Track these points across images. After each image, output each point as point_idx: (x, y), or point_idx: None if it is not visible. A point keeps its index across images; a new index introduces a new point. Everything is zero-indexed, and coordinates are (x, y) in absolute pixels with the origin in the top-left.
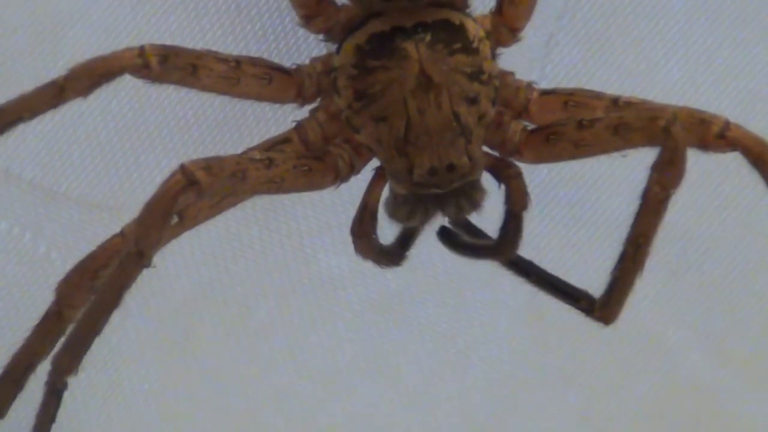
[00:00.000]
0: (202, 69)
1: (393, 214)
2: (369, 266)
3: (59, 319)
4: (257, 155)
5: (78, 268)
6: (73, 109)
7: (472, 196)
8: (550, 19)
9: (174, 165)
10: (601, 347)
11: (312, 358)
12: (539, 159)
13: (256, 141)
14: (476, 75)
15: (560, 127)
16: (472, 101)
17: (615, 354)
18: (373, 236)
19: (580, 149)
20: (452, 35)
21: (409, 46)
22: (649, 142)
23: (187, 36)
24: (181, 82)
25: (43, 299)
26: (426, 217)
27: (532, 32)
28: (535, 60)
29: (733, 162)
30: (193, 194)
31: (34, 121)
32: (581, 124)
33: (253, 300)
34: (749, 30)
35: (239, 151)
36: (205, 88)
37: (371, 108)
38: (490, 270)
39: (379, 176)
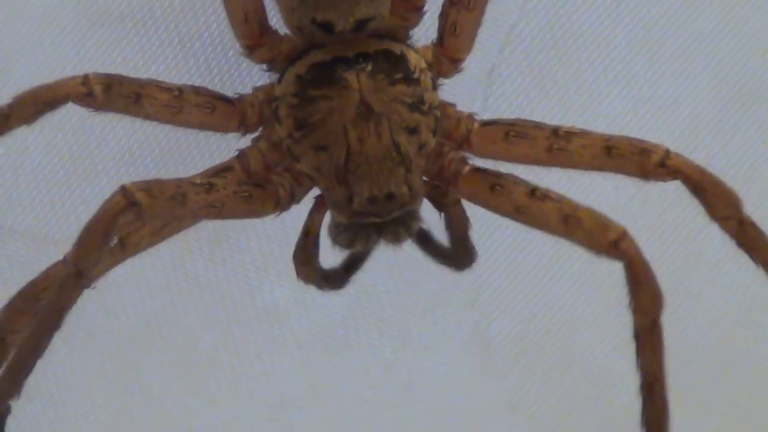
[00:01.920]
0: (145, 98)
1: (335, 241)
2: (313, 297)
3: (1, 345)
4: (198, 180)
5: (20, 294)
6: (18, 142)
7: (410, 224)
8: (493, 52)
9: None
10: (547, 375)
11: (256, 388)
12: (473, 200)
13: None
14: (417, 105)
15: (512, 184)
16: (413, 131)
17: (560, 382)
18: (316, 262)
19: (518, 215)
20: (393, 65)
21: (350, 76)
22: (593, 247)
23: (131, 69)
24: (125, 111)
25: None
26: (367, 244)
27: (474, 64)
28: (477, 92)
29: (675, 190)
30: (132, 215)
31: None
32: (533, 194)
33: (198, 331)
34: (690, 61)
35: None
36: (148, 117)
37: (311, 137)
38: (434, 299)
39: (319, 204)
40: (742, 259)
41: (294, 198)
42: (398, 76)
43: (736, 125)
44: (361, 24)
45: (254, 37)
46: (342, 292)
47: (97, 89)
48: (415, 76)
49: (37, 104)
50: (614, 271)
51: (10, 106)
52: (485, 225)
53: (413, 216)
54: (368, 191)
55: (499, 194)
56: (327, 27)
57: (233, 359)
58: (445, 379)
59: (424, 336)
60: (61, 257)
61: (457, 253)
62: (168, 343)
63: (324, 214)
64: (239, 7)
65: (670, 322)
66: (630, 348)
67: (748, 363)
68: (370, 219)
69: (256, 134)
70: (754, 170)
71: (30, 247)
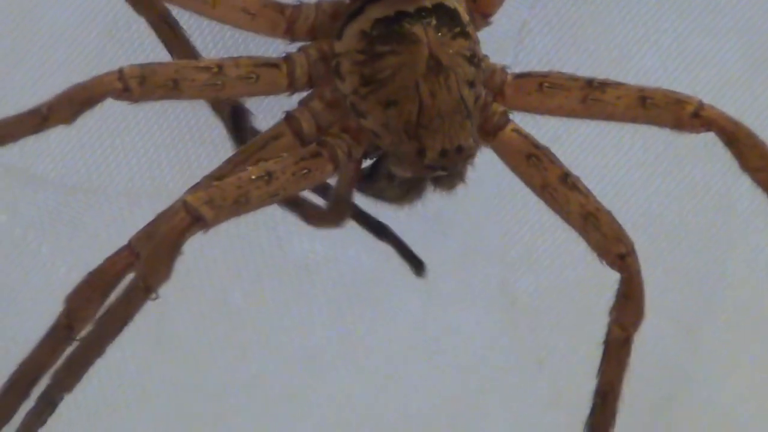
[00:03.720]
0: (183, 81)
1: (384, 196)
2: (343, 250)
3: (69, 332)
4: (255, 173)
5: (87, 281)
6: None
7: (464, 174)
8: (524, 7)
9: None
10: (573, 332)
11: (286, 341)
12: (504, 159)
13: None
14: (472, 59)
15: (548, 161)
16: (471, 84)
17: (587, 338)
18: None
19: (543, 192)
20: (451, 19)
21: (419, 30)
22: (600, 251)
23: None
24: (166, 97)
25: (19, 281)
26: (420, 197)
27: (505, 19)
28: (508, 47)
29: (704, 147)
30: (198, 229)
31: (7, 104)
32: (565, 179)
33: (228, 284)
34: (720, 17)
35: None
36: (191, 98)
37: (380, 92)
38: (462, 254)
39: (356, 164)
40: None
41: (351, 157)
42: (457, 30)
43: (764, 83)
44: None
45: (277, 21)
46: (372, 247)
47: (133, 83)
48: (468, 30)
49: (74, 104)
50: (641, 232)
51: (49, 107)
52: (514, 180)
53: (468, 165)
54: (440, 145)
55: (533, 165)
56: None
57: (262, 312)
58: (472, 333)
59: (452, 291)
60: (90, 207)
61: (335, 210)
62: (198, 295)
63: (358, 173)
64: (231, 11)
65: (701, 278)
66: (657, 303)
67: None
68: (437, 172)
69: (304, 95)
70: None
71: (60, 195)
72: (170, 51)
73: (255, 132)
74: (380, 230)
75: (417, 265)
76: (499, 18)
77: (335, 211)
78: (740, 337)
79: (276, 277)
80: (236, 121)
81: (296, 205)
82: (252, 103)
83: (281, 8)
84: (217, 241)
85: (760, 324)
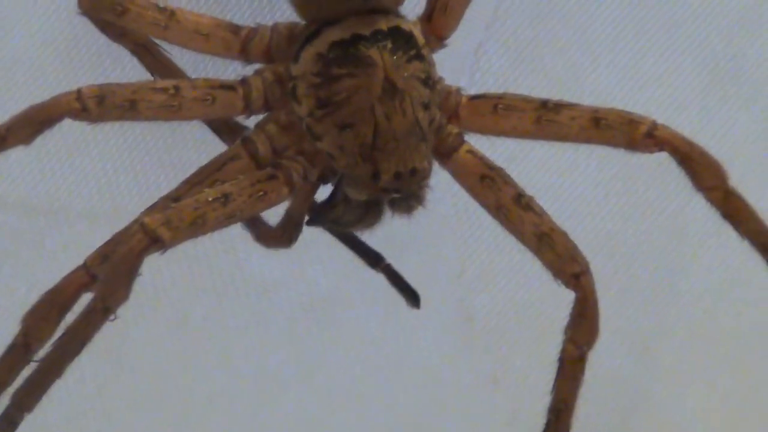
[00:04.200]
0: (140, 102)
1: (342, 221)
2: (301, 270)
3: (26, 351)
4: (211, 195)
5: (44, 301)
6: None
7: (421, 196)
8: (479, 28)
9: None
10: (529, 350)
11: (245, 361)
12: (459, 180)
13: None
14: (427, 81)
15: (502, 182)
16: (426, 106)
17: (543, 357)
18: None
19: (497, 213)
20: (407, 42)
21: (374, 53)
22: (555, 271)
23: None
24: (124, 118)
25: None
26: (377, 220)
27: (461, 40)
28: (464, 67)
29: (658, 167)
30: (155, 250)
31: None
32: (519, 200)
33: (187, 304)
34: (675, 37)
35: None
36: (147, 120)
37: (336, 115)
38: (420, 274)
39: (310, 186)
40: (725, 235)
41: (307, 179)
42: (412, 52)
43: (720, 102)
44: None
45: (231, 41)
46: (330, 266)
47: (91, 103)
48: (423, 52)
49: (32, 125)
50: (595, 251)
51: (8, 128)
52: (471, 199)
53: (425, 188)
54: (395, 167)
55: (487, 186)
56: None
57: (222, 332)
58: (429, 351)
59: (410, 310)
60: (51, 229)
61: (286, 230)
62: (157, 315)
63: (313, 195)
64: (184, 33)
65: (655, 297)
66: (613, 322)
67: (730, 338)
68: (392, 195)
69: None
70: (736, 147)
71: (21, 217)
72: (153, 75)
73: None
74: (376, 260)
75: (411, 296)
76: (455, 38)
77: (286, 231)
78: (695, 355)
79: (235, 297)
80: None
81: (249, 223)
82: None
83: (236, 29)
84: (177, 261)
85: (714, 342)
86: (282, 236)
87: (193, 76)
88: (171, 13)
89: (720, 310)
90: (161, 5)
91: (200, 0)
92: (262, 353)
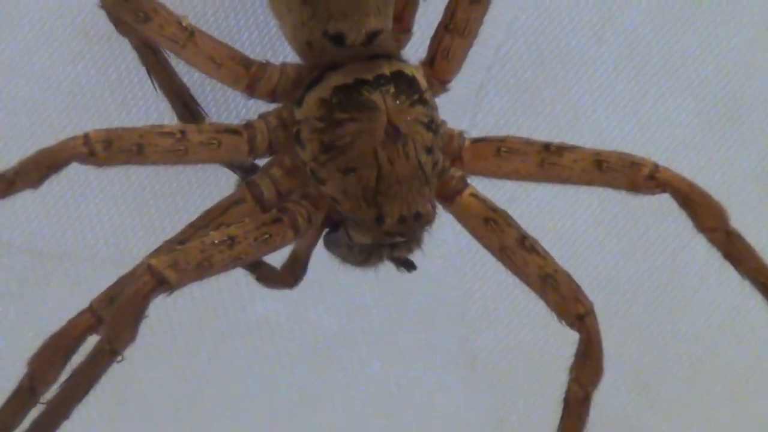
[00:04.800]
0: (147, 147)
1: (346, 261)
2: (304, 311)
3: (32, 394)
4: (217, 237)
5: (49, 344)
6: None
7: (420, 239)
8: (481, 70)
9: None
10: (533, 390)
11: (249, 401)
12: (462, 223)
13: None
14: (430, 125)
15: (506, 224)
16: (429, 150)
17: (546, 397)
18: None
19: (501, 255)
20: (409, 87)
21: (377, 98)
22: (559, 312)
23: (125, 87)
24: (131, 162)
25: None
26: (380, 262)
27: (462, 82)
28: (465, 109)
29: (658, 207)
30: (162, 292)
31: None
32: (523, 242)
33: (192, 345)
34: (674, 79)
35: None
36: (154, 164)
37: (339, 159)
38: (422, 313)
39: (317, 228)
40: (725, 273)
41: (311, 223)
42: (415, 97)
43: (718, 143)
44: (370, 38)
45: (241, 75)
46: (333, 307)
47: (98, 147)
48: (426, 96)
49: (40, 169)
50: (596, 291)
51: (15, 172)
52: (474, 240)
53: (426, 231)
54: (398, 212)
55: (491, 229)
56: (338, 39)
57: (226, 372)
58: (432, 392)
59: (413, 350)
60: (57, 273)
61: (292, 272)
62: (162, 355)
63: (319, 238)
64: (199, 56)
65: (656, 335)
66: (614, 360)
67: (730, 376)
68: (396, 238)
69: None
70: (734, 187)
71: (27, 261)
72: (151, 76)
73: None
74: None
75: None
76: (456, 80)
77: (290, 273)
78: (695, 393)
79: (239, 338)
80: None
81: (252, 265)
82: None
83: (247, 64)
84: (182, 302)
85: (714, 380)
86: (287, 278)
87: (185, 79)
88: (191, 34)
89: (720, 348)
90: (184, 23)
91: (207, 21)
92: (267, 393)
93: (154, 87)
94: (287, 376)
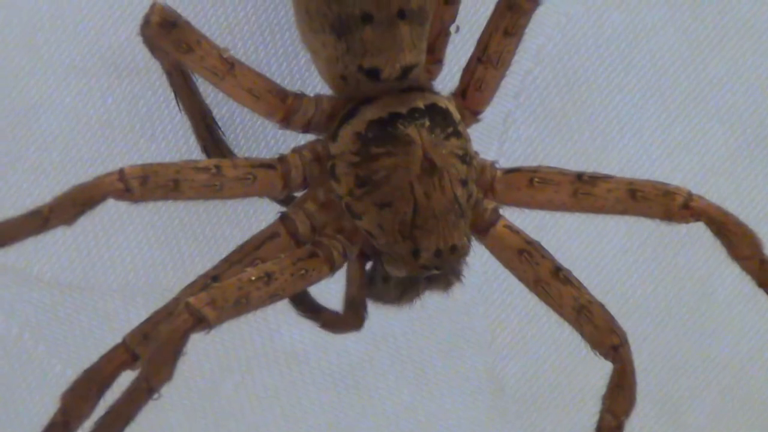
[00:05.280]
0: (183, 182)
1: (381, 299)
2: (331, 339)
3: (65, 429)
4: (254, 274)
5: (83, 379)
6: (44, 192)
7: (460, 272)
8: (508, 97)
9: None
10: (561, 418)
11: (276, 430)
12: (496, 255)
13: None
14: (464, 157)
15: (540, 256)
16: (464, 183)
17: (574, 424)
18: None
19: (535, 287)
20: (444, 119)
21: (412, 132)
22: (594, 343)
23: (155, 120)
24: (165, 198)
25: (16, 380)
26: (416, 296)
27: (489, 109)
28: (492, 137)
29: (687, 234)
30: (200, 330)
31: (3, 206)
32: (557, 274)
33: (219, 374)
34: (702, 105)
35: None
36: (190, 199)
37: (375, 194)
38: (450, 341)
39: (359, 264)
40: (754, 299)
41: (347, 257)
42: (449, 129)
43: (747, 169)
44: (405, 72)
45: (277, 107)
46: (361, 335)
47: (134, 183)
48: (460, 128)
49: (76, 206)
50: (626, 317)
51: (50, 209)
52: (501, 268)
53: (463, 263)
54: (435, 245)
55: (525, 261)
56: (373, 74)
57: (253, 401)
58: (461, 420)
59: (440, 378)
60: (85, 306)
61: (353, 313)
62: (190, 385)
63: (364, 273)
64: (237, 88)
65: (685, 362)
66: (643, 387)
67: (759, 401)
68: (432, 271)
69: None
70: (764, 213)
71: (55, 295)
72: (178, 103)
73: None
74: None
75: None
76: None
77: (352, 316)
78: (725, 420)
79: (266, 367)
80: None
81: (314, 312)
82: None
83: (284, 96)
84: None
85: (743, 406)
86: (353, 320)
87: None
88: (231, 66)
89: (749, 374)
90: (224, 55)
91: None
92: (294, 422)
93: (180, 109)
94: (315, 404)
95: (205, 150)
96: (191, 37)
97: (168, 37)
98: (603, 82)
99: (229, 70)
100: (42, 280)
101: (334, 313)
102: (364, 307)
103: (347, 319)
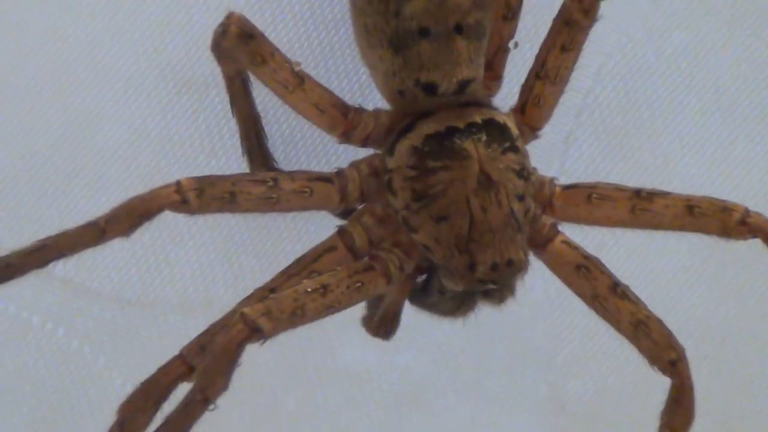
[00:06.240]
0: (240, 194)
1: (437, 309)
2: (393, 357)
3: None
4: (310, 285)
5: (140, 392)
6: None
7: (514, 287)
8: (569, 116)
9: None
10: None
11: None
12: (554, 270)
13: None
14: (521, 172)
15: (598, 272)
16: (521, 198)
17: None
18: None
19: (593, 302)
20: (501, 134)
21: (469, 146)
22: (652, 358)
23: (215, 135)
24: (221, 210)
25: (76, 393)
26: (471, 310)
27: (551, 128)
28: (554, 155)
29: (747, 252)
30: (255, 340)
31: (64, 220)
32: (615, 289)
33: (280, 391)
34: (763, 124)
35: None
36: (246, 212)
37: (432, 207)
38: (511, 359)
39: (409, 277)
40: None
41: (403, 271)
42: (507, 144)
43: None
44: (462, 86)
45: (339, 122)
46: (422, 353)
47: (191, 195)
48: (517, 144)
49: (132, 217)
50: (686, 335)
51: (107, 220)
52: (562, 285)
53: (519, 278)
54: (491, 259)
55: (583, 276)
56: (430, 88)
57: (314, 419)
58: None
59: (502, 396)
60: (145, 320)
61: (384, 324)
62: (251, 401)
63: (410, 289)
64: (305, 102)
65: (746, 380)
66: (704, 405)
67: None
68: (488, 286)
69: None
70: None
71: (116, 309)
72: (233, 107)
73: None
74: None
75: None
76: (545, 127)
77: (385, 325)
78: None
79: (327, 384)
80: None
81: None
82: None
83: (345, 111)
84: (270, 349)
85: None
86: (380, 329)
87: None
88: (301, 80)
89: None
90: (296, 69)
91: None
92: None
93: (232, 113)
94: (375, 422)
95: (249, 153)
96: (266, 49)
97: (244, 49)
98: (664, 101)
99: (299, 84)
100: (102, 295)
101: (372, 316)
102: (396, 322)
103: (379, 328)
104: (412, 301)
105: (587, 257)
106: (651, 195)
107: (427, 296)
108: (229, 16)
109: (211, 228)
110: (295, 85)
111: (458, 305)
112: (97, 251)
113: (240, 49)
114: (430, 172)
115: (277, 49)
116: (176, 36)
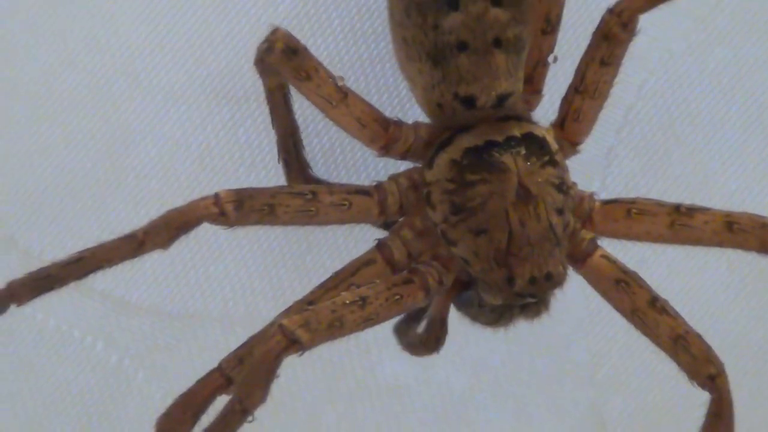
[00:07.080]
0: (278, 207)
1: (476, 320)
2: (432, 373)
3: None
4: (349, 298)
5: (178, 404)
6: (142, 220)
7: (549, 301)
8: (610, 132)
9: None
10: None
11: None
12: (593, 284)
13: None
14: (560, 186)
15: (637, 286)
16: (560, 212)
17: None
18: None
19: (632, 316)
20: (540, 148)
21: (508, 160)
22: (691, 373)
23: (255, 148)
24: (260, 223)
25: (115, 407)
26: (509, 323)
27: (592, 144)
28: (595, 172)
29: None
30: (294, 352)
31: (104, 232)
32: (654, 303)
33: (320, 406)
34: None
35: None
36: (284, 224)
37: (470, 221)
38: (551, 376)
39: (451, 289)
40: None
41: (442, 284)
42: (546, 158)
43: None
44: (501, 100)
45: (380, 135)
46: (462, 368)
47: (229, 208)
48: (556, 158)
49: (170, 230)
50: (726, 353)
51: (145, 232)
52: (603, 300)
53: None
54: (529, 273)
55: (622, 291)
56: (469, 102)
57: None
58: None
59: (542, 412)
60: (185, 334)
61: (431, 337)
62: (291, 416)
63: (450, 302)
64: (347, 116)
65: None
66: (744, 422)
67: None
68: (526, 300)
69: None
70: None
71: (155, 322)
72: (272, 119)
73: None
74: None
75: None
76: (586, 142)
77: (433, 338)
78: None
79: (368, 399)
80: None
81: (399, 332)
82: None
83: (386, 125)
84: (310, 363)
85: None
86: (431, 343)
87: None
88: (344, 95)
89: None
90: (339, 84)
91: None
92: None
93: (272, 124)
94: None
95: (286, 162)
96: (310, 64)
97: (289, 64)
98: (705, 118)
99: (342, 98)
100: (142, 308)
101: (417, 335)
102: (444, 330)
103: (426, 343)
104: (458, 306)
105: (626, 272)
106: (690, 210)
107: (466, 309)
108: (275, 32)
109: (251, 241)
110: (339, 100)
111: (497, 318)
112: (137, 265)
113: (285, 64)
114: (469, 185)
115: (321, 65)
116: (216, 48)
